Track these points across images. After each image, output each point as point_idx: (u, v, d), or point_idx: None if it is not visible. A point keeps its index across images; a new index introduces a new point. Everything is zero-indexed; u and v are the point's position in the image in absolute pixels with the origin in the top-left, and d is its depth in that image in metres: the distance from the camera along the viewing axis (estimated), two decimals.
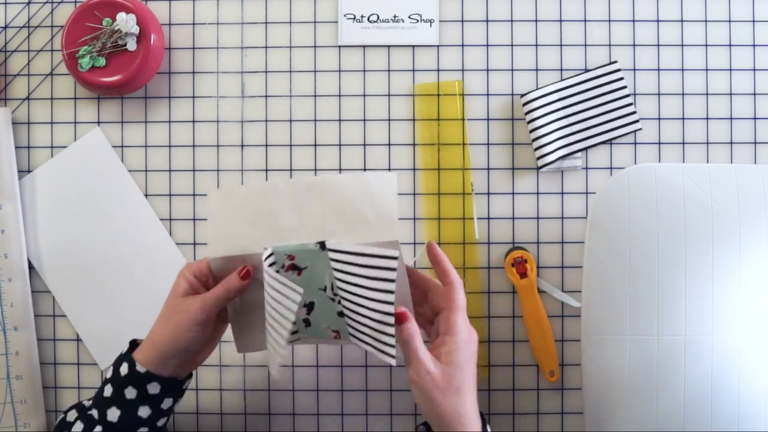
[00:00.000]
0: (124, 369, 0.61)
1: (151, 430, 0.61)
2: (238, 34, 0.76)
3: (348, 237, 0.60)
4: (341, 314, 0.62)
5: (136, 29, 0.72)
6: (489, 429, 0.61)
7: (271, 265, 0.60)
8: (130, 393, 0.60)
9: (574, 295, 0.73)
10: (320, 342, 0.66)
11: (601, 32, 0.75)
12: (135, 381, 0.60)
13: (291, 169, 0.75)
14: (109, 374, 0.62)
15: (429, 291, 0.64)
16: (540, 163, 0.73)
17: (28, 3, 0.76)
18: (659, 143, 0.74)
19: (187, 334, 0.60)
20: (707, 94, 0.75)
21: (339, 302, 0.62)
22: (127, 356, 0.61)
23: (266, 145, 0.75)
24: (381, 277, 0.57)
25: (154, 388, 0.61)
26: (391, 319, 0.58)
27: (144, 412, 0.61)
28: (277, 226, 0.62)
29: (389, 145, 0.75)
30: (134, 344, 0.64)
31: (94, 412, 0.61)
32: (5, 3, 0.76)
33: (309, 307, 0.63)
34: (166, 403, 0.62)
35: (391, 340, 0.58)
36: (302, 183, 0.62)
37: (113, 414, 0.60)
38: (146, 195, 0.75)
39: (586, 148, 0.74)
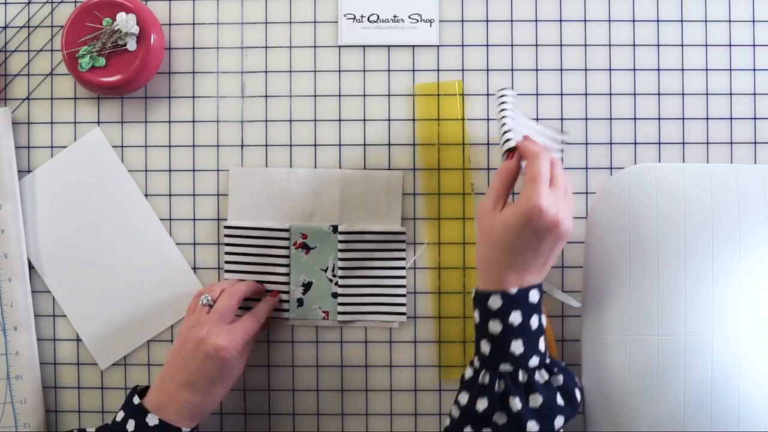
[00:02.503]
0: None
1: None
2: (238, 34, 0.76)
3: (358, 224, 0.73)
4: (335, 295, 0.74)
5: (136, 29, 0.72)
6: (533, 295, 0.60)
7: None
8: None
9: (574, 295, 0.73)
10: (306, 323, 0.74)
11: (601, 32, 0.75)
12: None
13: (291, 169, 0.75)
14: (132, 427, 0.62)
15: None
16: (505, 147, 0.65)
17: (28, 3, 0.76)
18: (659, 143, 0.74)
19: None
20: (707, 94, 0.74)
21: (336, 283, 0.74)
22: (168, 427, 0.63)
23: (266, 145, 0.75)
24: (393, 248, 0.74)
25: None
26: (404, 281, 0.74)
27: None
28: (295, 207, 0.74)
29: (389, 145, 0.75)
30: (140, 395, 0.65)
31: None
32: (5, 3, 0.76)
33: (306, 287, 0.74)
34: None
35: (403, 300, 0.74)
36: (321, 173, 0.74)
37: None
38: (146, 195, 0.75)
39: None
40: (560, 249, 0.62)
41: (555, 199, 0.59)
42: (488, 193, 0.62)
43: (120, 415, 0.64)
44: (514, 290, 0.59)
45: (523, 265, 0.59)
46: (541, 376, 0.59)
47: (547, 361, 0.61)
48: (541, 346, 0.60)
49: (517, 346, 0.59)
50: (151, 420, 0.62)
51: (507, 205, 0.60)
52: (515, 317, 0.59)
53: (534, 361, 0.59)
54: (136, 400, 0.64)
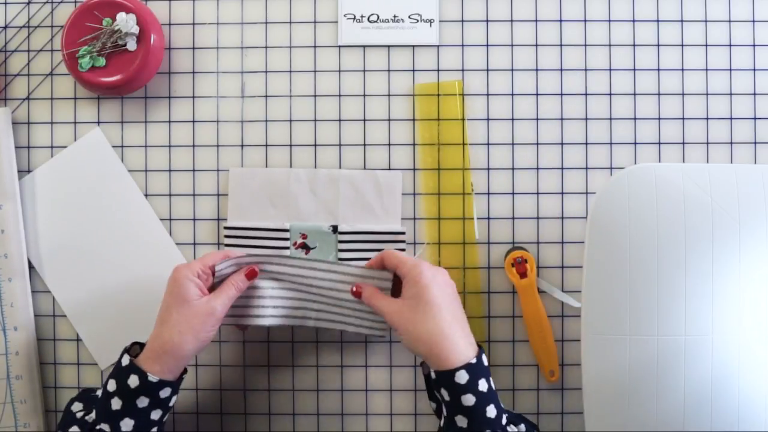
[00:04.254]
0: (133, 381, 0.61)
1: (159, 428, 0.63)
2: (238, 34, 0.76)
3: (357, 224, 0.73)
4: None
5: (136, 29, 0.72)
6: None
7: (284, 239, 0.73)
8: (143, 402, 0.61)
9: (574, 295, 0.73)
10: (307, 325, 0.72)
11: (601, 32, 0.75)
12: (148, 391, 0.61)
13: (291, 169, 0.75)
14: (112, 387, 0.61)
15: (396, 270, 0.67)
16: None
17: (28, 3, 0.76)
18: (659, 143, 0.74)
19: (209, 335, 0.64)
20: (707, 94, 0.75)
21: None
22: (134, 368, 0.61)
23: (266, 145, 0.75)
24: (393, 249, 0.73)
25: (165, 392, 0.62)
26: None
27: (156, 414, 0.62)
28: (295, 207, 0.74)
29: (389, 145, 0.75)
30: (129, 349, 0.64)
31: (106, 427, 0.61)
32: (5, 3, 0.76)
33: None
34: (173, 400, 0.63)
35: None
36: (321, 173, 0.73)
37: (127, 424, 0.61)
38: (146, 195, 0.75)
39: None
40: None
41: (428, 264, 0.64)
42: (380, 308, 0.64)
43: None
44: (475, 360, 0.61)
45: (461, 330, 0.62)
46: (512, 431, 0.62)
47: (507, 414, 0.63)
48: (501, 402, 0.62)
49: (491, 411, 0.60)
50: (124, 360, 0.62)
51: (401, 295, 0.64)
52: (483, 385, 0.60)
53: (504, 419, 0.61)
54: (128, 346, 0.65)
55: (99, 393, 0.65)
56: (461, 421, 0.60)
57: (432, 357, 0.61)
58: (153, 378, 0.61)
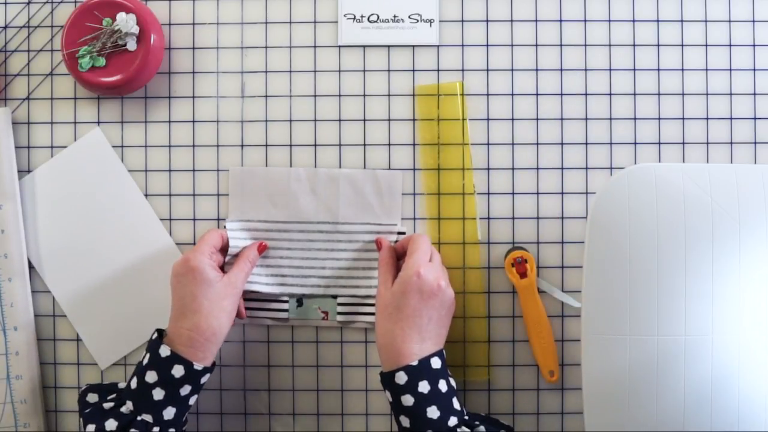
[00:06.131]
0: (178, 371, 0.62)
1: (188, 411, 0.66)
2: (238, 34, 0.76)
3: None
4: (335, 296, 0.74)
5: (136, 29, 0.72)
6: (434, 362, 0.63)
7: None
8: (185, 390, 0.63)
9: (574, 295, 0.73)
10: (306, 324, 0.74)
11: (601, 32, 0.75)
12: (192, 379, 0.63)
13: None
14: (152, 378, 0.62)
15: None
16: None
17: (28, 3, 0.76)
18: (659, 143, 0.74)
19: (235, 312, 0.67)
20: (707, 94, 0.75)
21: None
22: (178, 358, 0.63)
23: (266, 145, 0.75)
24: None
25: (205, 378, 0.65)
26: None
27: (192, 400, 0.65)
28: (295, 206, 0.74)
29: (389, 145, 0.75)
30: (161, 339, 0.65)
31: (148, 417, 0.62)
32: (5, 3, 0.76)
33: None
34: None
35: None
36: (321, 172, 0.73)
37: (170, 413, 0.63)
38: (146, 195, 0.75)
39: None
40: (449, 315, 0.66)
41: (433, 268, 0.66)
42: (379, 283, 0.68)
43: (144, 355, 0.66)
44: (415, 362, 0.62)
45: (418, 336, 0.63)
46: None
47: (466, 417, 0.64)
48: (456, 405, 0.63)
49: (432, 412, 0.62)
50: (163, 351, 0.63)
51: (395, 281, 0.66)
52: (423, 386, 0.62)
53: (452, 421, 0.62)
54: (155, 335, 0.66)
55: (123, 385, 0.66)
56: (404, 421, 0.63)
57: (381, 357, 0.65)
58: (198, 366, 0.63)
